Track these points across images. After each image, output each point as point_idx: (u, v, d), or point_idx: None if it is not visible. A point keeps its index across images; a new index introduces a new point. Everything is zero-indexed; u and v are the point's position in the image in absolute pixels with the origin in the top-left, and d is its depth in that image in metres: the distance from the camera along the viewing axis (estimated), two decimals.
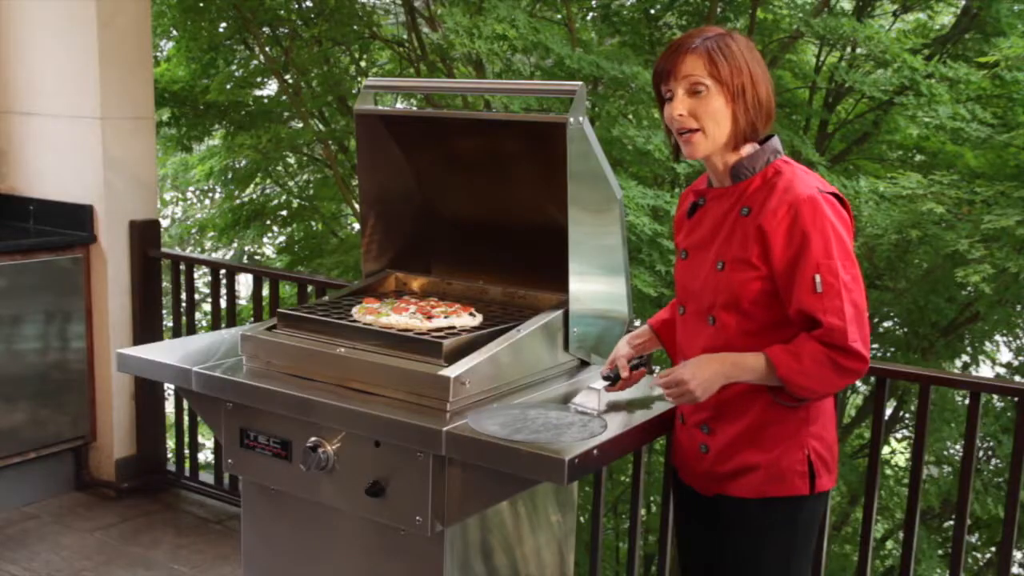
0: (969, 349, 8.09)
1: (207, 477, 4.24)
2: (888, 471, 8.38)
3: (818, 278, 1.90)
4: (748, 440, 2.02)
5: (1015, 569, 7.60)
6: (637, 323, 2.58)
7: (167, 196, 10.85)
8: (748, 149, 2.03)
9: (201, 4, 7.08)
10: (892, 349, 8.16)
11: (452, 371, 2.18)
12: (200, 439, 6.25)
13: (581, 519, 6.49)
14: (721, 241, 2.04)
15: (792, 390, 1.95)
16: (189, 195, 11.14)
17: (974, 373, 8.01)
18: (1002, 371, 8.62)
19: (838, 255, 1.92)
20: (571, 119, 2.22)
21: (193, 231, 9.83)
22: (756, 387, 2.00)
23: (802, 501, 2.03)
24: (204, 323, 7.33)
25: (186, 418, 4.26)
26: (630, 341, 2.37)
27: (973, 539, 8.16)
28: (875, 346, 8.49)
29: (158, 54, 7.81)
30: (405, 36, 7.66)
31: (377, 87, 2.76)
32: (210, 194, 10.66)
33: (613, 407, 2.29)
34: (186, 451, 4.26)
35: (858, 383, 8.55)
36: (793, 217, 1.92)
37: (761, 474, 2.01)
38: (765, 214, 1.95)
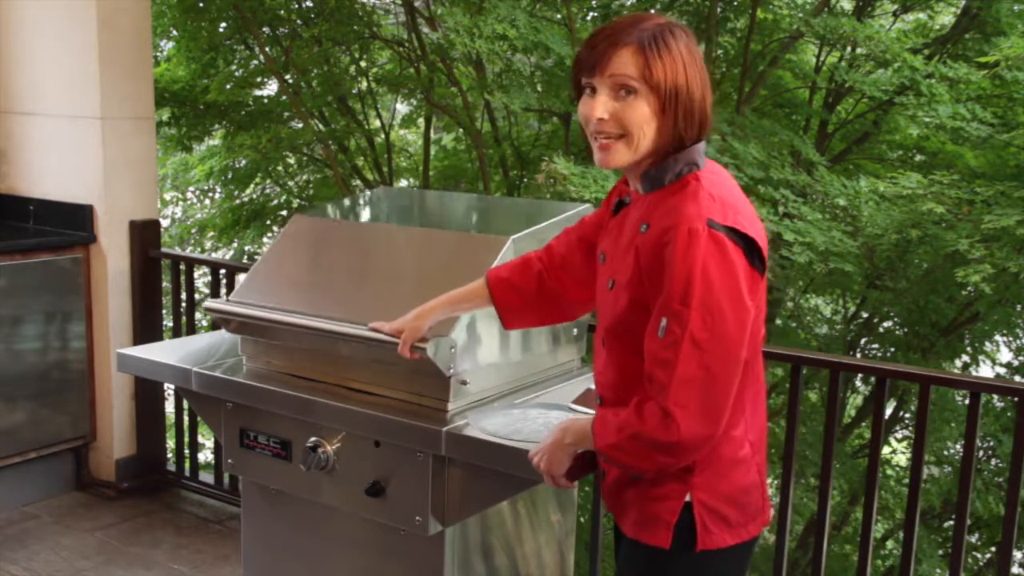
0: (969, 349, 8.10)
1: (207, 477, 4.24)
2: (888, 471, 8.38)
3: (664, 322, 1.60)
4: (625, 475, 1.81)
5: (1015, 569, 7.60)
6: None
7: (167, 196, 10.85)
8: (663, 158, 1.73)
9: (201, 4, 7.08)
10: (892, 349, 8.16)
11: (452, 371, 2.18)
12: (200, 439, 6.25)
13: (581, 519, 6.49)
14: (618, 257, 1.78)
15: (603, 452, 1.71)
16: (189, 195, 11.14)
17: (974, 373, 8.02)
18: (1002, 371, 8.62)
19: (699, 304, 1.57)
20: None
21: (193, 231, 9.83)
22: None
23: (672, 555, 1.76)
24: (204, 323, 7.33)
25: (186, 418, 4.26)
26: (430, 313, 2.09)
27: (973, 539, 8.16)
28: (875, 346, 8.49)
29: (158, 54, 7.81)
30: (405, 36, 7.66)
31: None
32: (210, 194, 10.66)
33: None
34: (186, 451, 4.26)
35: (858, 383, 8.56)
36: (663, 246, 1.62)
37: (634, 514, 1.80)
38: (646, 235, 1.67)
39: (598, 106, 1.68)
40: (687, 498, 1.73)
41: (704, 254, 1.58)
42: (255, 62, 7.84)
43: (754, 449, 1.78)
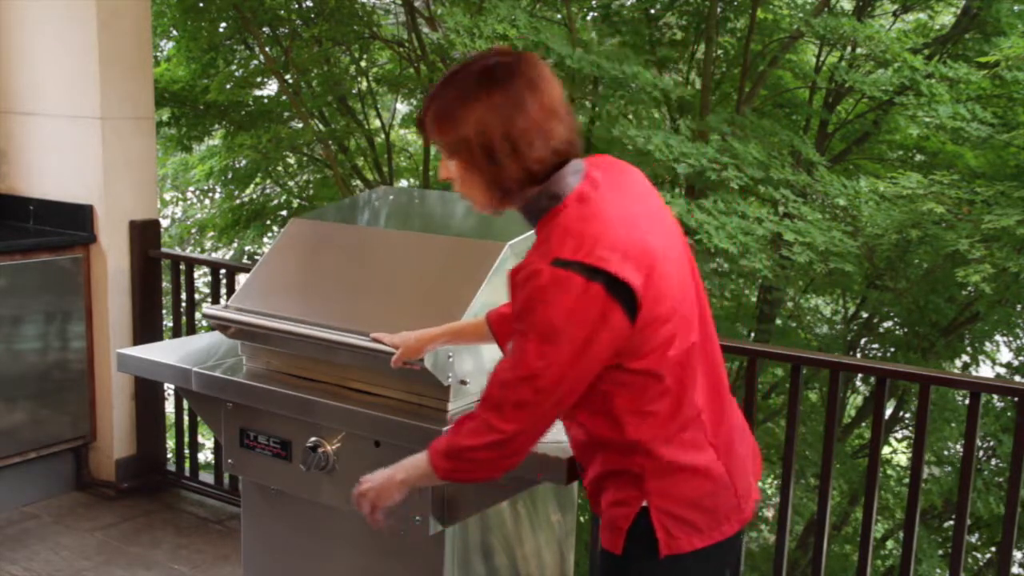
0: (969, 349, 8.10)
1: (207, 477, 4.24)
2: (888, 471, 8.38)
3: (510, 347, 1.67)
4: (594, 486, 1.83)
5: (1015, 569, 7.60)
6: None
7: (167, 196, 10.86)
8: (531, 192, 1.71)
9: (201, 4, 7.08)
10: (892, 349, 8.17)
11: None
12: (200, 439, 6.25)
13: (581, 519, 6.49)
14: None
15: (444, 479, 1.77)
16: (189, 195, 11.15)
17: (974, 373, 8.02)
18: (1002, 371, 8.62)
19: (538, 334, 1.61)
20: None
21: (193, 231, 9.84)
22: (591, 435, 1.78)
23: (631, 561, 1.77)
24: (204, 323, 7.34)
25: (186, 418, 4.26)
26: (436, 338, 2.11)
27: (973, 539, 8.17)
28: (875, 346, 8.50)
29: (158, 54, 7.82)
30: (405, 36, 7.67)
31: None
32: (210, 194, 10.67)
33: None
34: (186, 451, 4.26)
35: (858, 383, 8.57)
36: (513, 289, 1.67)
37: (603, 520, 1.81)
38: (512, 274, 1.69)
39: (440, 170, 1.77)
40: (644, 504, 1.73)
41: (541, 292, 1.59)
42: (255, 62, 7.85)
43: (719, 453, 1.77)
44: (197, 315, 4.09)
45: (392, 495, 1.84)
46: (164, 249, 4.29)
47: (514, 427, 1.66)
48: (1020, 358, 8.58)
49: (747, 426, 1.92)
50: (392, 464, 1.86)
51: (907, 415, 8.44)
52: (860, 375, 7.11)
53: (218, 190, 9.81)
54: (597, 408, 1.73)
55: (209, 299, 4.97)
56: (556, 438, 2.03)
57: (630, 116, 7.56)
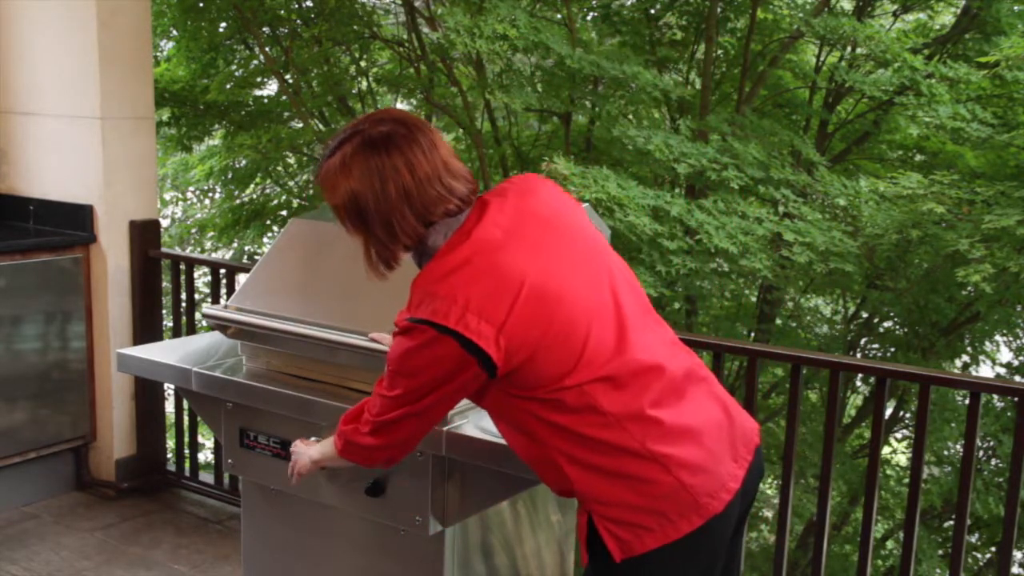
0: (969, 349, 8.10)
1: (207, 477, 4.24)
2: (888, 471, 8.38)
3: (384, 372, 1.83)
4: (563, 496, 1.92)
5: (1015, 569, 7.60)
6: None
7: (167, 196, 10.86)
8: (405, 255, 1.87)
9: (201, 4, 7.08)
10: (892, 349, 8.17)
11: None
12: (200, 439, 6.25)
13: None
14: None
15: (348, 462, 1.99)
16: (189, 195, 11.15)
17: (974, 373, 8.02)
18: (1002, 371, 8.62)
19: (399, 372, 1.77)
20: None
21: (193, 231, 9.84)
22: (523, 450, 1.85)
23: (597, 569, 1.82)
24: (204, 323, 7.33)
25: (186, 418, 4.26)
26: None
27: (973, 539, 8.17)
28: (875, 346, 8.50)
29: (158, 54, 7.82)
30: (405, 36, 7.67)
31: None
32: (210, 194, 10.67)
33: None
34: (186, 451, 4.26)
35: (858, 383, 8.57)
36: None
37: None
38: None
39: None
40: (588, 515, 1.80)
41: (402, 337, 1.74)
42: (255, 62, 7.85)
43: (655, 456, 1.76)
44: (197, 315, 4.09)
45: (307, 466, 2.09)
46: (164, 249, 4.30)
47: (386, 422, 1.83)
48: (1020, 358, 8.58)
49: (732, 411, 1.90)
50: (321, 442, 2.07)
51: (907, 415, 8.44)
52: (860, 375, 7.11)
53: (218, 190, 9.81)
54: (513, 422, 1.81)
55: (209, 299, 4.97)
56: None
57: (630, 116, 7.57)
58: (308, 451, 2.08)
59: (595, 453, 1.76)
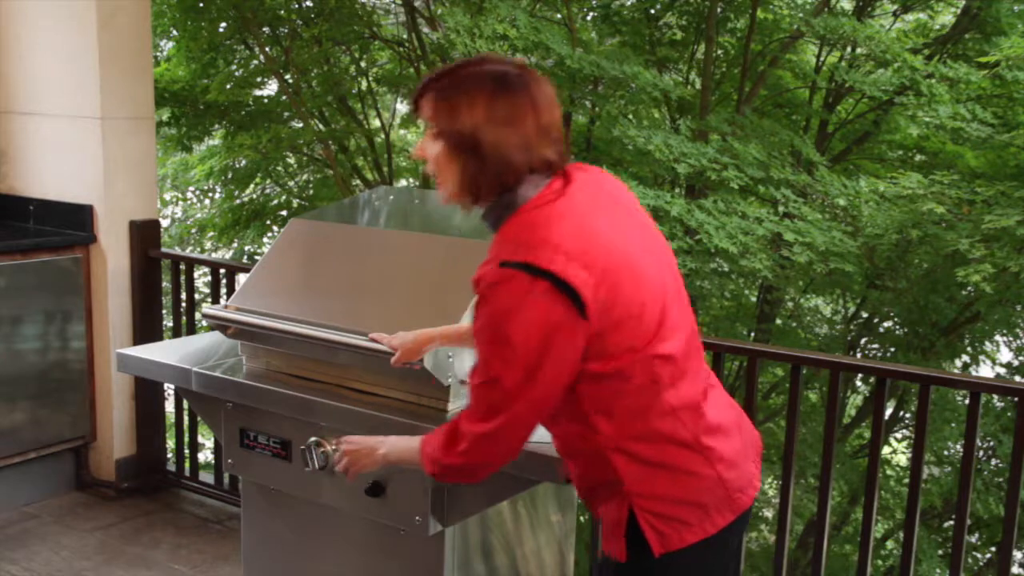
0: (969, 349, 8.10)
1: (207, 477, 4.24)
2: (888, 471, 8.38)
3: (474, 359, 1.71)
4: (588, 493, 1.86)
5: (1015, 569, 7.60)
6: None
7: (167, 196, 10.86)
8: (494, 201, 1.77)
9: (201, 4, 7.08)
10: (892, 349, 8.17)
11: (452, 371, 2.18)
12: (200, 439, 6.25)
13: (581, 519, 6.49)
14: None
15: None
16: (189, 195, 11.15)
17: (974, 373, 8.02)
18: (1002, 371, 8.62)
19: (490, 340, 1.65)
20: None
21: (193, 231, 9.84)
22: (565, 441, 1.83)
23: (633, 565, 1.79)
24: (204, 323, 7.33)
25: (186, 418, 4.26)
26: (443, 335, 2.12)
27: (973, 539, 8.17)
28: (875, 346, 8.50)
29: (158, 54, 7.82)
30: (405, 36, 7.67)
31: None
32: (210, 194, 10.67)
33: None
34: (186, 451, 4.26)
35: (858, 383, 8.57)
36: (476, 293, 1.69)
37: (603, 528, 1.84)
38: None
39: (417, 145, 1.79)
40: (630, 507, 1.76)
41: (490, 293, 1.64)
42: (255, 62, 7.85)
43: (702, 448, 1.77)
44: (197, 315, 4.09)
45: (371, 467, 1.93)
46: (164, 249, 4.29)
47: (488, 429, 1.69)
48: (1020, 358, 8.58)
49: (744, 415, 1.93)
50: (383, 436, 1.93)
51: (907, 415, 8.44)
52: (860, 375, 7.10)
53: (218, 190, 9.81)
54: (567, 412, 1.76)
55: (209, 299, 4.97)
56: None
57: (630, 116, 7.56)
58: (372, 444, 1.93)
59: (647, 442, 1.74)
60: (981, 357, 8.30)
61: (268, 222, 8.87)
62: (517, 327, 1.61)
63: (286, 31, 7.43)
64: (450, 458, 1.75)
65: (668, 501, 1.76)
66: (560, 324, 1.62)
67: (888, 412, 8.30)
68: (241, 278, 3.86)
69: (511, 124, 1.70)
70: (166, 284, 4.65)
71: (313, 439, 2.31)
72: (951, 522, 7.84)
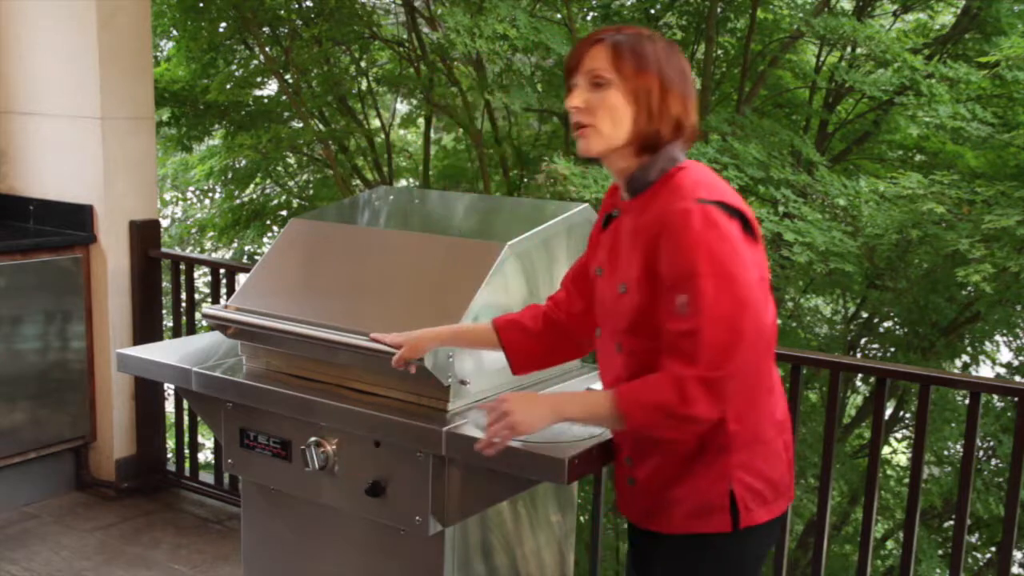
0: (969, 349, 8.10)
1: (207, 477, 4.24)
2: (888, 471, 8.38)
3: (683, 299, 1.68)
4: (668, 472, 1.85)
5: (1015, 569, 7.60)
6: None
7: (167, 196, 10.85)
8: (645, 159, 1.83)
9: (201, 4, 7.08)
10: (892, 349, 8.16)
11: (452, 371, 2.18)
12: (200, 439, 6.25)
13: (581, 519, 6.49)
14: (622, 261, 1.85)
15: (633, 431, 1.78)
16: (189, 195, 11.14)
17: (974, 373, 8.01)
18: (1002, 371, 8.62)
19: (709, 273, 1.67)
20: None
21: (193, 231, 9.83)
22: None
23: (726, 538, 1.83)
24: (204, 323, 7.32)
25: (186, 418, 4.26)
26: (441, 336, 2.10)
27: (973, 539, 8.16)
28: (875, 346, 8.50)
29: (158, 54, 7.82)
30: (405, 36, 7.66)
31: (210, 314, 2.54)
32: (210, 194, 10.67)
33: None
34: (186, 451, 4.26)
35: (858, 383, 8.56)
36: (669, 230, 1.71)
37: (683, 508, 1.84)
38: (649, 225, 1.76)
39: (574, 96, 1.82)
40: (730, 480, 1.81)
41: (700, 227, 1.69)
42: (255, 62, 7.84)
43: (780, 427, 1.88)
44: (197, 315, 4.09)
45: (535, 428, 1.81)
46: (164, 249, 4.30)
47: (722, 372, 1.67)
48: (1020, 358, 8.57)
49: None
50: (542, 393, 1.87)
51: (907, 415, 8.43)
52: (860, 375, 7.10)
53: (218, 190, 9.80)
54: None
55: (209, 299, 4.97)
56: (556, 438, 2.03)
57: None
58: (550, 404, 1.81)
59: (755, 413, 1.81)
60: (981, 357, 8.30)
61: (268, 222, 8.87)
62: (729, 256, 1.68)
63: (286, 31, 7.43)
64: (696, 408, 1.67)
65: (758, 476, 1.84)
66: (755, 261, 1.74)
67: (888, 412, 8.30)
68: (241, 278, 3.86)
69: (681, 84, 1.82)
70: (166, 284, 4.65)
71: (313, 439, 2.31)
72: (951, 522, 7.84)
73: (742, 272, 1.69)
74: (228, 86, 7.62)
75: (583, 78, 1.82)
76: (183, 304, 4.16)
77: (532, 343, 2.11)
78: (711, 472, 1.81)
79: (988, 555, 8.26)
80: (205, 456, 8.17)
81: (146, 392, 4.21)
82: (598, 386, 2.28)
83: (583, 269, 2.09)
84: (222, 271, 4.03)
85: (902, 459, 9.23)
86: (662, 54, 1.81)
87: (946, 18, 8.42)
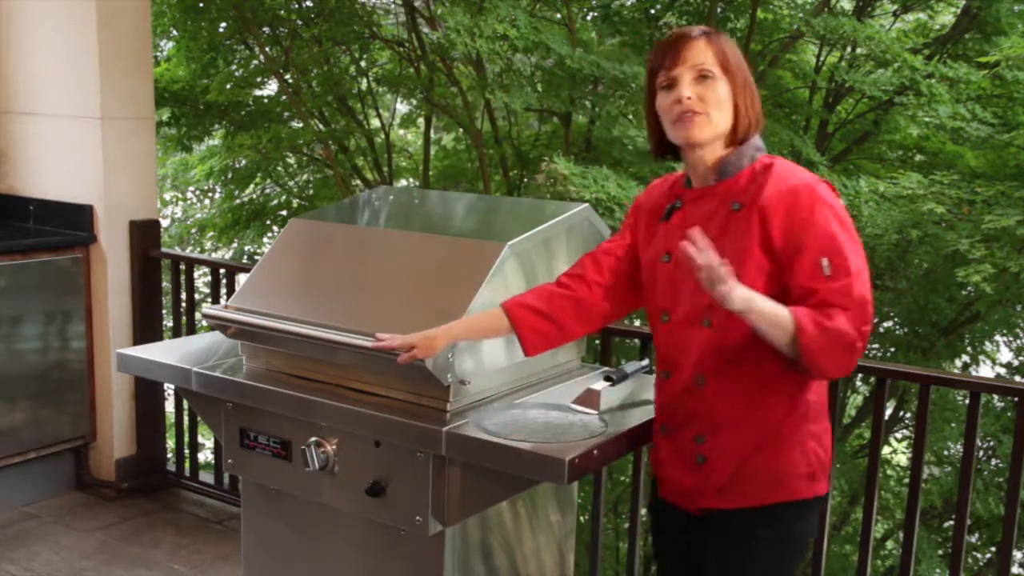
0: (969, 349, 8.09)
1: (207, 477, 4.24)
2: (888, 471, 8.37)
3: (825, 261, 1.86)
4: (751, 442, 1.95)
5: (1015, 569, 7.60)
6: (637, 323, 2.58)
7: (167, 196, 10.85)
8: (731, 149, 2.01)
9: (201, 4, 7.08)
10: (892, 349, 8.16)
11: (452, 371, 2.18)
12: (200, 439, 6.25)
13: (581, 519, 6.49)
14: (720, 241, 1.93)
15: (805, 363, 1.85)
16: (189, 195, 11.14)
17: (974, 373, 8.01)
18: (1002, 371, 8.61)
19: (845, 239, 1.88)
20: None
21: (193, 231, 9.83)
22: (750, 389, 1.95)
23: (802, 507, 1.99)
24: (204, 323, 7.31)
25: (186, 418, 4.26)
26: (452, 331, 2.12)
27: (973, 539, 8.16)
28: (875, 346, 8.50)
29: (158, 54, 7.82)
30: (405, 36, 7.66)
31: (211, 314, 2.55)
32: (210, 194, 10.66)
33: (613, 407, 2.29)
34: (186, 451, 4.26)
35: (858, 383, 8.56)
36: (794, 202, 1.90)
37: (762, 477, 1.95)
38: (765, 201, 1.91)
39: (684, 88, 1.96)
40: (806, 447, 1.99)
41: (830, 199, 1.92)
42: (255, 62, 7.84)
43: (827, 418, 2.08)
44: (197, 315, 4.09)
45: (732, 297, 1.81)
46: (164, 249, 4.30)
47: (869, 326, 1.87)
48: (1020, 358, 8.57)
49: None
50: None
51: (907, 415, 8.43)
52: (860, 375, 7.09)
53: (218, 190, 9.80)
54: None
55: (209, 299, 4.97)
56: (555, 439, 2.03)
57: (630, 116, 7.56)
58: (746, 288, 1.84)
59: (823, 385, 2.05)
60: (981, 357, 8.29)
61: (268, 222, 8.86)
62: (852, 227, 1.91)
63: (286, 31, 7.42)
64: (862, 350, 1.87)
65: (823, 447, 2.03)
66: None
67: (888, 412, 8.29)
68: (241, 278, 3.86)
69: (753, 81, 2.03)
70: (166, 284, 4.65)
71: (313, 439, 2.31)
72: (951, 522, 7.83)
73: (858, 241, 1.92)
74: (228, 86, 7.61)
75: (688, 72, 1.96)
76: (183, 304, 4.16)
77: (541, 321, 2.15)
78: (793, 439, 1.96)
79: (988, 555, 8.26)
80: (205, 456, 8.17)
81: (146, 392, 4.21)
82: (599, 386, 2.28)
83: (610, 253, 2.20)
84: (222, 271, 4.03)
85: (902, 459, 9.23)
86: (739, 53, 2.00)
87: (946, 18, 8.42)
